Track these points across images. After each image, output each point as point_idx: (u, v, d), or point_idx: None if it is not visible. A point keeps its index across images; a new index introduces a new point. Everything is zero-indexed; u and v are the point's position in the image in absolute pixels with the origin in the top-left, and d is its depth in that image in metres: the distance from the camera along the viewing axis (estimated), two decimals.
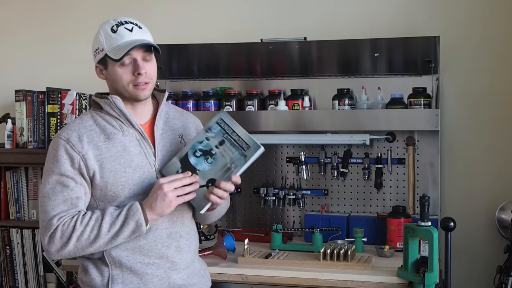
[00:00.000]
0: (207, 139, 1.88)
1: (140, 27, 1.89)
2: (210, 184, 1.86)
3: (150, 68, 1.88)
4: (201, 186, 1.86)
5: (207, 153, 1.88)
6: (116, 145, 1.87)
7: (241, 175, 1.87)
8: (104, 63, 1.88)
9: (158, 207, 1.80)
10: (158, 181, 1.82)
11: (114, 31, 1.84)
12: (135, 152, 1.89)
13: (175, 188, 1.81)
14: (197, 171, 1.87)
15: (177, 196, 1.81)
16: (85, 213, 1.84)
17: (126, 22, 1.87)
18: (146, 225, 1.81)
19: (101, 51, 1.86)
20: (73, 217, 1.81)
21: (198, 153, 1.88)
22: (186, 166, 1.87)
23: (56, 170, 1.83)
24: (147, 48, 1.86)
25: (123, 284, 1.86)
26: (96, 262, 1.88)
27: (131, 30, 1.85)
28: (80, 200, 1.84)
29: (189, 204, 1.91)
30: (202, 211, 1.89)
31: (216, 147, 1.88)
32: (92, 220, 1.80)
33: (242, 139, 1.86)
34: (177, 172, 1.86)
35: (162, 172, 1.89)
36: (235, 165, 1.86)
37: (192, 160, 1.87)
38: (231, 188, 1.86)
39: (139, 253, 1.86)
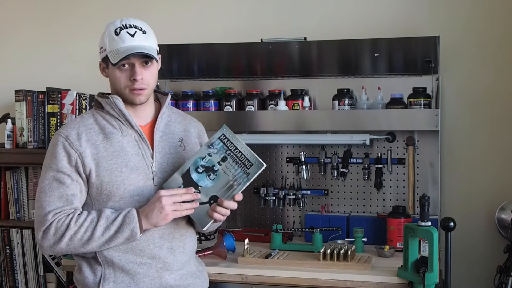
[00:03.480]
0: (209, 155, 1.87)
1: (144, 32, 1.87)
2: (212, 201, 1.86)
3: (147, 74, 1.87)
4: (203, 203, 1.85)
5: (209, 170, 1.86)
6: (114, 144, 1.88)
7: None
8: (106, 62, 1.89)
9: (153, 218, 1.81)
10: (158, 192, 1.82)
11: (117, 34, 1.85)
12: (132, 152, 1.89)
13: (174, 203, 1.81)
14: (199, 187, 1.86)
15: (174, 211, 1.81)
16: (81, 212, 1.84)
17: (130, 26, 1.86)
18: (140, 233, 1.82)
19: (104, 50, 1.88)
20: (68, 215, 1.81)
21: (200, 169, 1.86)
22: (188, 182, 1.85)
23: (54, 166, 1.84)
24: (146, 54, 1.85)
25: (115, 283, 1.86)
26: (90, 261, 1.89)
27: (133, 35, 1.85)
28: (75, 197, 1.84)
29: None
30: (205, 228, 1.89)
31: (219, 163, 1.86)
32: (87, 221, 1.81)
33: (245, 157, 1.85)
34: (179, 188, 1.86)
35: (163, 187, 1.87)
36: (238, 183, 1.85)
37: (194, 176, 1.86)
38: (234, 206, 1.87)
39: (131, 253, 1.87)
